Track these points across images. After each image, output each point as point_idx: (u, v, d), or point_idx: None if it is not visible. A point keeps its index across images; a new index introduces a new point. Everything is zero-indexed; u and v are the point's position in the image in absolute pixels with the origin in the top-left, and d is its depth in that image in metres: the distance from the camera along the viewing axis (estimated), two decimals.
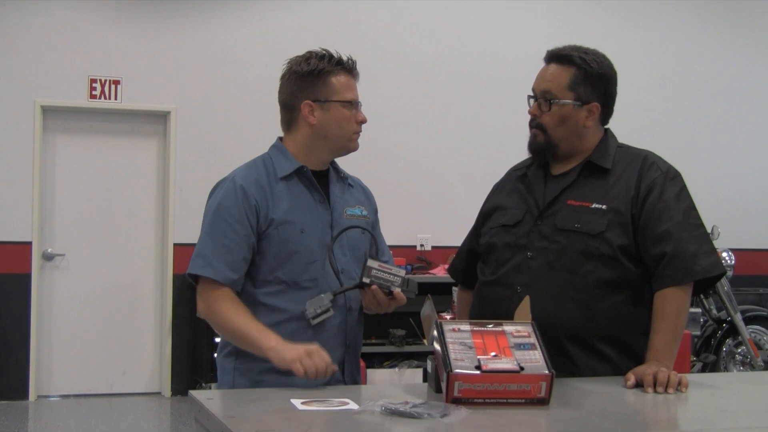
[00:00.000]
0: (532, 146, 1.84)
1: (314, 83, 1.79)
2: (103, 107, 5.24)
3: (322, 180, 1.85)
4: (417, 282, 1.76)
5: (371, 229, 1.87)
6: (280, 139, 1.88)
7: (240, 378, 1.76)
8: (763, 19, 6.27)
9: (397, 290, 1.71)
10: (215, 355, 1.90)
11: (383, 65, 5.42)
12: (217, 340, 1.94)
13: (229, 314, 1.70)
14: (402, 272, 1.72)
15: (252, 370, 1.73)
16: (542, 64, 1.85)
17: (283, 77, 1.84)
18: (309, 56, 1.81)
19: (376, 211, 1.96)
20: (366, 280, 1.71)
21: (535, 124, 1.82)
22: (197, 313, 1.79)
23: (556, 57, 1.81)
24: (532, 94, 1.83)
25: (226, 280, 1.72)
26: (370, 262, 1.71)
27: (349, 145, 1.83)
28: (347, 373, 1.82)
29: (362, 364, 3.49)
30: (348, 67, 1.81)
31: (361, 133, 1.85)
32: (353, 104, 1.81)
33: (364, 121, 1.83)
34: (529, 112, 1.83)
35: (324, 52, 1.82)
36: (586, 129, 1.82)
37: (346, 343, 1.81)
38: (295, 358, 1.54)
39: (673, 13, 6.04)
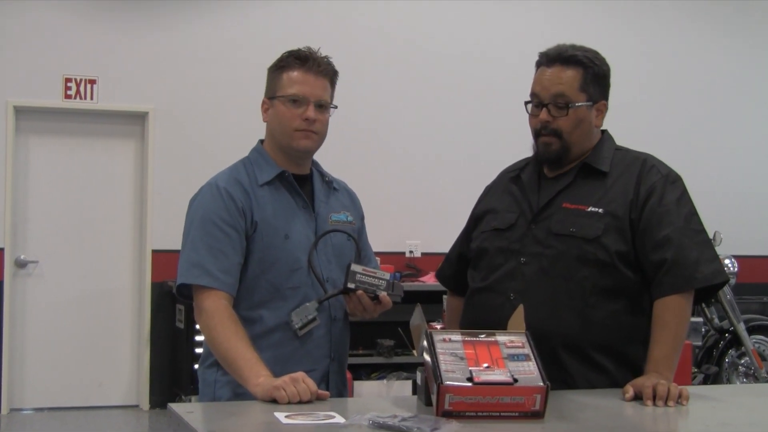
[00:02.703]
0: (546, 155, 1.74)
1: (271, 80, 1.77)
2: (78, 108, 5.14)
3: (305, 184, 1.79)
4: (404, 289, 1.73)
5: (357, 235, 1.82)
6: (261, 141, 1.83)
7: (222, 390, 1.71)
8: (764, 21, 6.23)
9: (383, 294, 1.69)
10: (196, 366, 1.86)
11: (372, 67, 5.35)
12: (198, 350, 1.88)
13: (223, 337, 1.63)
14: (387, 275, 1.71)
15: (234, 382, 1.67)
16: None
17: None
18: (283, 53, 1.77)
19: (362, 217, 1.91)
20: (351, 285, 1.68)
21: (549, 131, 1.73)
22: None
23: (560, 59, 1.73)
24: (533, 100, 1.75)
25: (224, 286, 1.67)
26: (354, 267, 1.69)
27: (292, 144, 1.74)
28: (332, 385, 1.76)
29: (349, 375, 3.40)
30: (302, 59, 1.73)
31: (313, 132, 1.71)
32: (294, 99, 1.71)
33: (308, 119, 1.71)
34: (541, 119, 1.72)
35: (303, 50, 1.76)
36: (596, 129, 1.78)
37: (330, 354, 1.77)
38: (279, 386, 1.49)
39: (673, 14, 6.00)
